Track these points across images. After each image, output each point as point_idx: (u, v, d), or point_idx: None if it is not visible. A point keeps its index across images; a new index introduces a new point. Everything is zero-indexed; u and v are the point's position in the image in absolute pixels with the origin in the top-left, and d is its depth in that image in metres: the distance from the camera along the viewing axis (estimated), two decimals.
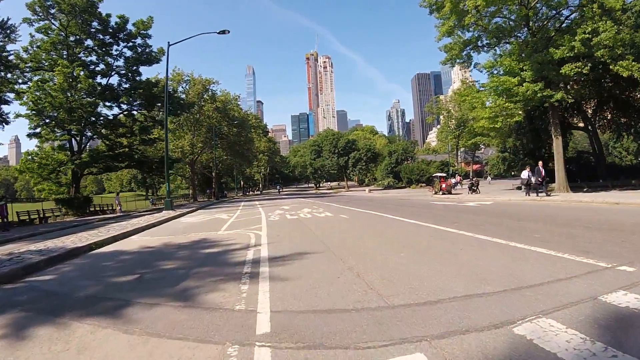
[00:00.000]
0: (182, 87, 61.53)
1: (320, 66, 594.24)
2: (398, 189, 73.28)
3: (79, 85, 35.06)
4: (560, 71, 22.33)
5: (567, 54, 22.15)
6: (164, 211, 25.00)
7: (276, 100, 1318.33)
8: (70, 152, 39.14)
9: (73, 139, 39.58)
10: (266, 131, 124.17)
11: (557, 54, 22.29)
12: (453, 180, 43.91)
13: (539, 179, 21.75)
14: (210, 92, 62.69)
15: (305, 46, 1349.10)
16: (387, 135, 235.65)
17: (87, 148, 43.83)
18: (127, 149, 43.91)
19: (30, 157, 39.03)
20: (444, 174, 44.87)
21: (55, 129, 37.80)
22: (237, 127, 65.12)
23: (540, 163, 22.28)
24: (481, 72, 29.78)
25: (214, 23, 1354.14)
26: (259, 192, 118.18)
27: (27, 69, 38.14)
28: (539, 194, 21.67)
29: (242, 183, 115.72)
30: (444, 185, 36.26)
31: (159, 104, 43.80)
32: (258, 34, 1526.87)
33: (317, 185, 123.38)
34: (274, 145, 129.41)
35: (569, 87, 25.78)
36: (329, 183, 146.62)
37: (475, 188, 33.51)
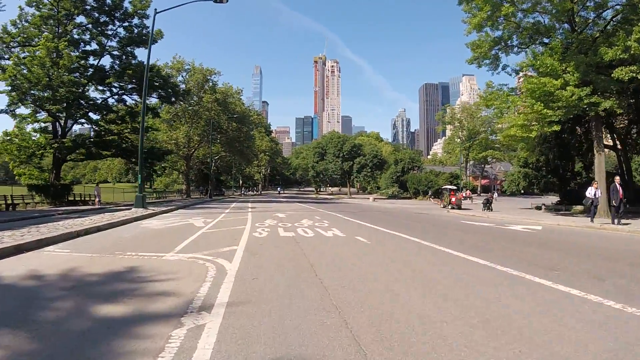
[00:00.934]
0: (182, 76, 58.26)
1: (328, 70, 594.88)
2: (403, 199, 70.40)
3: (60, 61, 31.64)
4: (612, 75, 18.89)
5: (620, 56, 18.76)
6: (133, 208, 21.48)
7: (282, 101, 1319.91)
8: (53, 136, 35.77)
9: (57, 122, 36.18)
10: (269, 131, 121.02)
11: (609, 55, 18.86)
12: (463, 195, 41.72)
13: (614, 201, 16.81)
14: (210, 83, 59.25)
15: (314, 49, 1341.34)
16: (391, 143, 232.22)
17: (72, 133, 40.54)
18: (116, 137, 40.63)
19: (8, 137, 35.69)
20: (455, 187, 41.85)
21: (38, 109, 34.45)
22: (237, 121, 61.64)
23: (617, 179, 17.60)
24: (511, 75, 26.58)
25: (223, 20, 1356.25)
26: (257, 193, 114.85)
27: (15, 44, 34.95)
28: (615, 221, 16.38)
29: (241, 182, 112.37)
30: (453, 199, 34.07)
31: (155, 91, 40.52)
32: (267, 35, 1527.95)
33: (318, 190, 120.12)
34: (277, 145, 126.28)
35: (616, 95, 22.18)
36: (329, 188, 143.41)
37: (489, 205, 30.21)
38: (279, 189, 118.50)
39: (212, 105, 58.21)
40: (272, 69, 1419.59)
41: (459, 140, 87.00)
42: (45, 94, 32.16)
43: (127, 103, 40.82)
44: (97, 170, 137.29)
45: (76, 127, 67.42)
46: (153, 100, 42.70)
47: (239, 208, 27.96)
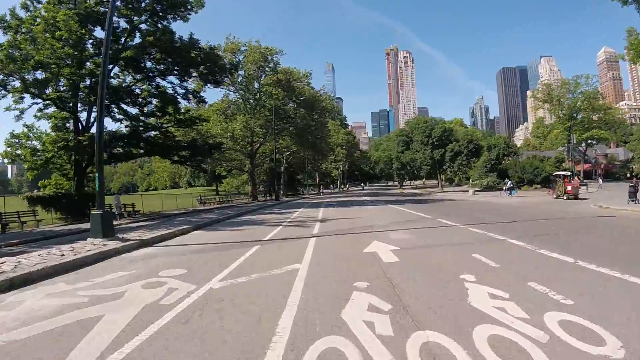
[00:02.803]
0: (239, 59, 49.43)
1: (401, 61, 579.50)
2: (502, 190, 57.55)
3: (58, 32, 23.30)
4: None
5: None
6: (89, 239, 11.41)
7: (356, 97, 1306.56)
8: (75, 133, 27.92)
9: (76, 117, 28.13)
10: (345, 124, 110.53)
11: None
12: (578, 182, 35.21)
13: None
14: (272, 65, 49.76)
15: (384, 43, 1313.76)
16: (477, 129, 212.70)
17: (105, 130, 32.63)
18: (157, 132, 32.56)
19: (17, 140, 28.47)
20: (569, 173, 36.43)
21: (36, 97, 26.45)
22: (305, 107, 51.59)
23: None
24: None
25: (292, 19, 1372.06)
26: (338, 190, 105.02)
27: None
28: None
29: (317, 180, 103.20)
30: (569, 188, 29.88)
31: (197, 72, 31.65)
32: (336, 32, 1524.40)
33: (401, 184, 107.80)
34: (354, 138, 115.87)
35: None
36: (411, 182, 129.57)
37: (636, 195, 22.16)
38: (362, 185, 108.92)
39: (274, 90, 48.91)
40: (344, 66, 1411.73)
41: (558, 119, 72.33)
42: (43, 76, 24.28)
43: (160, 87, 31.79)
44: (152, 174, 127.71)
45: (115, 125, 61.07)
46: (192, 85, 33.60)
47: (301, 221, 17.82)
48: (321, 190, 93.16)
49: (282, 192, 70.07)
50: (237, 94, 51.31)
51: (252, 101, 51.88)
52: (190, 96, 33.06)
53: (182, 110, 33.14)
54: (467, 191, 52.48)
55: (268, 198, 53.90)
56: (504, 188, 41.46)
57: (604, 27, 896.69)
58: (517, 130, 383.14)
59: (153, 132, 33.15)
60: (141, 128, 31.76)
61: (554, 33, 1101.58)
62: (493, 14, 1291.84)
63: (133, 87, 30.39)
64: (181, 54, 28.64)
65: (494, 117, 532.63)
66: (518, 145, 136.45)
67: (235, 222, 18.41)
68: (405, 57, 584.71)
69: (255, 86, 51.49)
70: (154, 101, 31.06)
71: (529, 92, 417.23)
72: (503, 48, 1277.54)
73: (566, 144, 75.74)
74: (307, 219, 18.55)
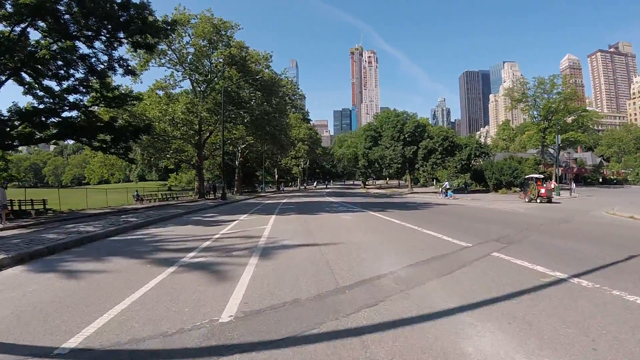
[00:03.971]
0: (189, 35, 41.67)
1: (365, 61, 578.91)
2: (477, 192, 54.45)
3: None
4: None
5: None
6: None
7: (319, 94, 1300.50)
8: None
9: None
10: (307, 118, 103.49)
11: None
12: (552, 185, 36.82)
13: None
14: (225, 40, 42.15)
15: (348, 42, 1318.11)
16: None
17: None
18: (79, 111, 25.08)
19: None
20: (541, 175, 37.35)
21: None
22: (263, 90, 44.42)
23: None
24: None
25: (257, 15, 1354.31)
26: (296, 188, 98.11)
27: None
28: None
29: (277, 176, 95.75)
30: (543, 191, 29.99)
31: (125, 34, 24.15)
32: (301, 29, 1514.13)
33: (365, 183, 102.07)
34: (316, 134, 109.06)
35: None
36: (374, 181, 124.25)
37: None
38: (325, 182, 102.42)
39: (227, 70, 41.50)
40: (308, 63, 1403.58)
41: (532, 120, 68.58)
42: None
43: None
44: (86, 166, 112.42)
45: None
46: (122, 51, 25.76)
47: (229, 248, 10.77)
48: (281, 188, 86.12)
49: (235, 190, 62.68)
50: (179, 70, 43.31)
51: (201, 82, 44.16)
52: (116, 65, 25.49)
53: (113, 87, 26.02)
54: (437, 193, 46.86)
55: (211, 196, 45.79)
56: (441, 189, 44.15)
57: (567, 35, 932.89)
58: (477, 133, 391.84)
59: (76, 112, 25.66)
60: (56, 105, 24.19)
61: (516, 40, 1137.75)
62: (457, 19, 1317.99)
63: (49, 54, 22.46)
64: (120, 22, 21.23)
65: (455, 120, 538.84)
66: (499, 144, 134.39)
67: (110, 247, 10.75)
68: (369, 56, 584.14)
69: (207, 65, 43.79)
70: (77, 74, 23.66)
71: (491, 96, 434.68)
72: (466, 53, 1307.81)
73: (539, 146, 73.14)
74: (240, 241, 11.21)
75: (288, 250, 9.18)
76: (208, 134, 47.04)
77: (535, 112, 67.96)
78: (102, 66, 24.78)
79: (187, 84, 50.13)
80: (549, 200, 29.46)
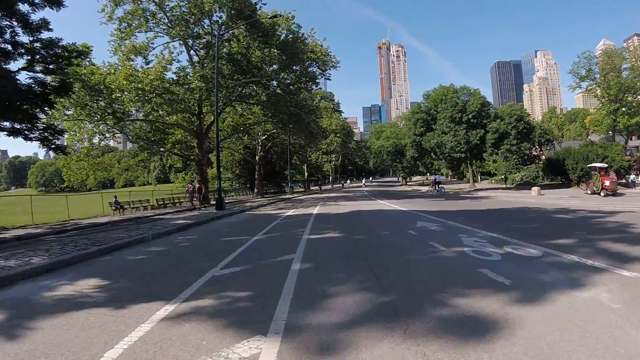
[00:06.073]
0: None
1: (393, 55, 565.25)
2: (550, 187, 41.57)
3: None
4: None
5: None
6: None
7: (347, 91, 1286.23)
8: None
9: None
10: (339, 110, 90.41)
11: None
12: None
13: None
14: None
15: (375, 39, 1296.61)
16: None
17: None
18: None
19: None
20: (605, 165, 31.96)
21: None
22: (282, 52, 30.56)
23: None
24: None
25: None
26: (330, 187, 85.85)
27: None
28: None
29: (307, 174, 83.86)
30: (607, 183, 26.87)
31: None
32: (326, 26, 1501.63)
33: (406, 180, 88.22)
34: (349, 126, 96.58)
35: None
36: (409, 177, 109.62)
37: None
38: (363, 180, 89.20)
39: (232, 25, 29.55)
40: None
41: (602, 100, 55.30)
42: None
43: None
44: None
45: None
46: None
47: None
48: (308, 186, 74.59)
49: (255, 191, 50.81)
50: (176, 38, 31.33)
51: (199, 48, 32.23)
52: None
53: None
54: (532, 192, 33.95)
55: (196, 205, 29.89)
56: (432, 182, 42.94)
57: (601, 21, 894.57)
58: None
59: None
60: None
61: (548, 30, 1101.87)
62: (485, 11, 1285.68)
63: None
64: None
65: None
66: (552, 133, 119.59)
67: None
68: (397, 51, 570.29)
69: (206, 25, 31.84)
70: None
71: (525, 86, 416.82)
72: (495, 45, 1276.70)
73: (607, 132, 60.50)
74: None
75: None
76: (213, 119, 35.32)
77: (606, 92, 53.84)
78: None
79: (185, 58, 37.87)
80: (614, 193, 26.98)
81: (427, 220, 13.56)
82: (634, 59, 53.67)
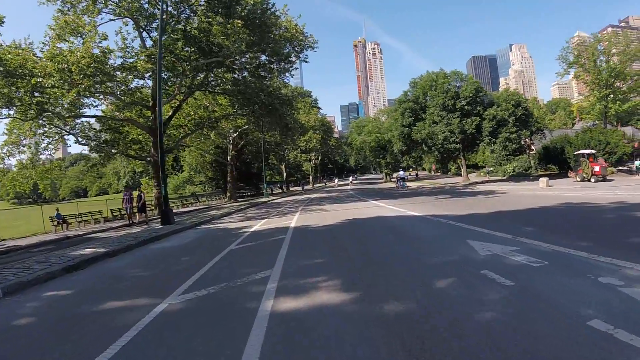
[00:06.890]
0: None
1: (369, 53, 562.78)
2: (549, 176, 35.32)
3: None
4: None
5: None
6: None
7: (324, 90, 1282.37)
8: None
9: None
10: (317, 106, 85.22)
11: None
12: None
13: None
14: None
15: (350, 36, 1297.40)
16: None
17: None
18: None
19: None
20: (592, 151, 32.48)
21: None
22: (247, 25, 24.52)
23: None
24: None
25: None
26: (309, 187, 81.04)
27: None
28: None
29: (285, 175, 78.72)
30: (597, 169, 27.27)
31: None
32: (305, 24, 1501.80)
33: (388, 176, 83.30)
34: (328, 122, 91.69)
35: None
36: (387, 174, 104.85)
37: None
38: (350, 178, 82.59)
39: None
40: (312, 59, 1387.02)
41: (592, 86, 52.65)
42: None
43: None
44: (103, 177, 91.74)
45: None
46: None
47: None
48: (302, 188, 70.08)
49: (228, 195, 45.47)
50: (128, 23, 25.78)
51: (151, 29, 26.76)
52: None
53: None
54: (538, 185, 29.97)
55: (139, 219, 22.95)
56: (397, 178, 44.08)
57: (575, 12, 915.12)
58: None
59: None
60: None
61: (521, 23, 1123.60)
62: (460, 5, 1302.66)
63: None
64: None
65: None
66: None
67: None
68: (373, 48, 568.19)
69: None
70: None
71: (502, 80, 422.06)
72: (470, 39, 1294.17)
73: (599, 119, 57.77)
74: None
75: None
76: (172, 113, 30.02)
77: (595, 77, 51.21)
78: None
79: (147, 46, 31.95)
80: (604, 179, 27.51)
81: (482, 238, 7.92)
82: (625, 43, 51.61)
